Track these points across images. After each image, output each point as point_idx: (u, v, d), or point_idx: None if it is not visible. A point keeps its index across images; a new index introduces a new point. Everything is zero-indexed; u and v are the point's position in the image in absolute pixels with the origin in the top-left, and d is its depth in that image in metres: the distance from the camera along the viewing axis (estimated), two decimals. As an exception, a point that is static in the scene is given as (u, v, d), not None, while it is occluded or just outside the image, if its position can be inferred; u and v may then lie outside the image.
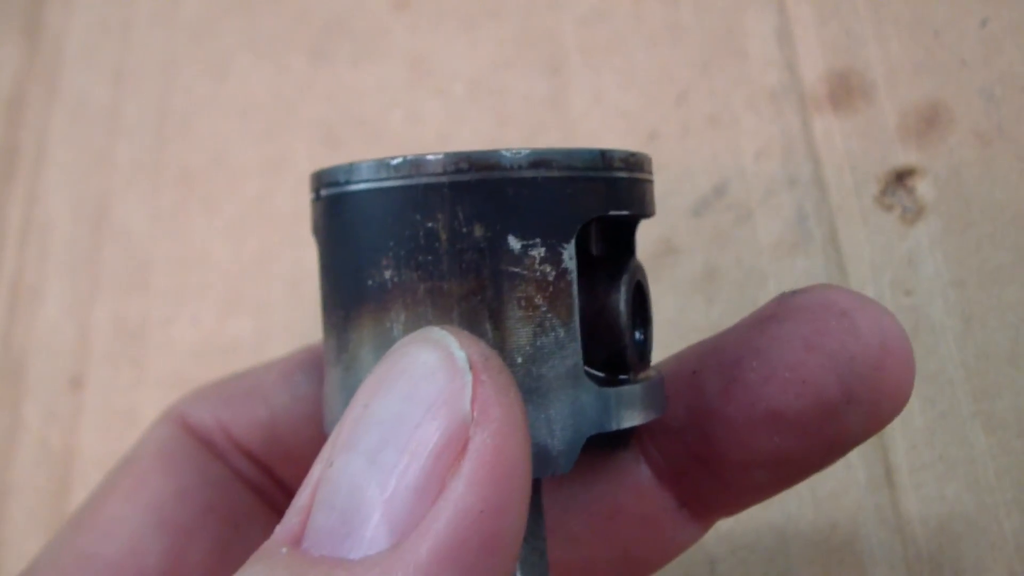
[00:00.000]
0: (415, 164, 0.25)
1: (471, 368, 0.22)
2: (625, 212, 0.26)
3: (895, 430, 0.37)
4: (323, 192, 0.26)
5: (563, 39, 0.48)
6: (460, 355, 0.22)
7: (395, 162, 0.25)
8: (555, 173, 0.25)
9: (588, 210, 0.25)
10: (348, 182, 0.25)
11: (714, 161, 0.43)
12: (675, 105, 0.45)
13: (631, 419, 0.26)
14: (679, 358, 0.31)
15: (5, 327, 0.55)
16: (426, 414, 0.21)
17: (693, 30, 0.46)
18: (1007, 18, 0.40)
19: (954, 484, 0.36)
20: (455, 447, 0.21)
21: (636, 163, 0.27)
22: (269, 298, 0.51)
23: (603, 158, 0.26)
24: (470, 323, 0.24)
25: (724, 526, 0.38)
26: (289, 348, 0.49)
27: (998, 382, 0.37)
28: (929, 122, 0.40)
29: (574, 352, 0.25)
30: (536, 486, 0.27)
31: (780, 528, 0.38)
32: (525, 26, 0.50)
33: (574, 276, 0.25)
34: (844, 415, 0.28)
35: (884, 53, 0.42)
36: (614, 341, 0.27)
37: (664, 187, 0.43)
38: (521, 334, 0.25)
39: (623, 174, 0.26)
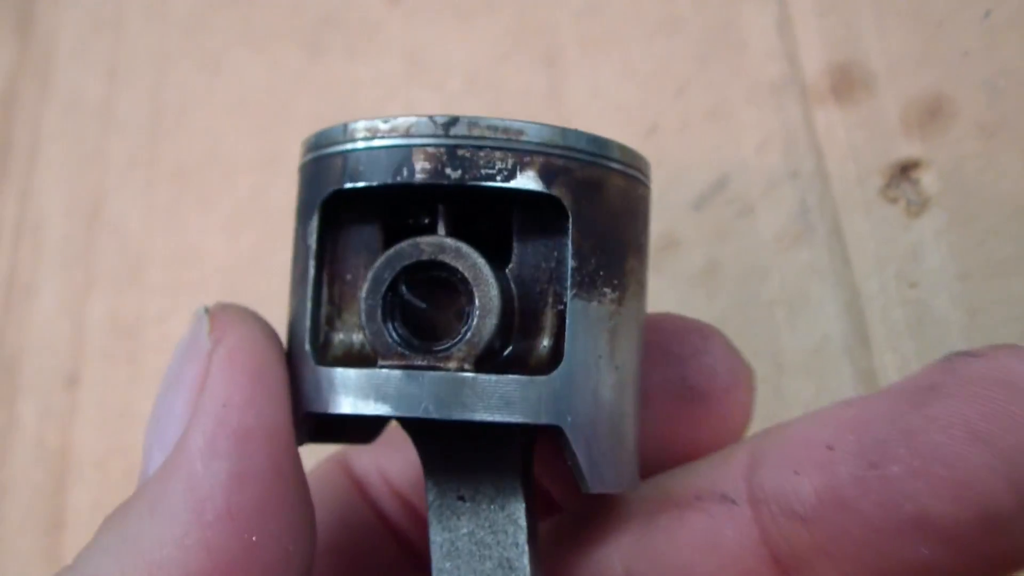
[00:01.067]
0: (638, 158, 0.29)
1: (207, 313, 0.27)
2: (360, 184, 0.26)
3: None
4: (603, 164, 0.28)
5: (560, 32, 0.48)
6: (200, 310, 0.27)
7: (631, 151, 0.28)
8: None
9: (327, 187, 0.27)
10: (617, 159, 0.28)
11: (715, 154, 0.43)
12: (674, 98, 0.45)
13: (343, 406, 0.26)
14: (816, 420, 0.26)
15: (0, 325, 0.55)
16: (183, 365, 0.26)
17: (691, 22, 0.45)
18: (1009, 10, 0.40)
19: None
20: (203, 373, 0.25)
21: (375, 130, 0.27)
22: (265, 293, 0.50)
23: (345, 131, 0.27)
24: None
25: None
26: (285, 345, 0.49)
27: (1005, 375, 0.36)
28: (932, 114, 0.40)
29: (303, 329, 0.27)
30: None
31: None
32: (521, 19, 0.49)
33: (312, 253, 0.27)
34: (1014, 528, 0.22)
35: (886, 45, 0.41)
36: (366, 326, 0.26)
37: (665, 181, 0.43)
38: (292, 303, 0.28)
39: (360, 144, 0.27)
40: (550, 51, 0.48)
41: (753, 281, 0.40)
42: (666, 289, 0.42)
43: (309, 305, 0.27)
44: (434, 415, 0.25)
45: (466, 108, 0.49)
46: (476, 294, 0.25)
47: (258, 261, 0.51)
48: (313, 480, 0.34)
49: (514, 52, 0.49)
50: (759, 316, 0.40)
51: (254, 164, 0.53)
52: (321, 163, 0.27)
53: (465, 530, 0.27)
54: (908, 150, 0.40)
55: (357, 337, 0.27)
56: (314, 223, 0.27)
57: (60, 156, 0.57)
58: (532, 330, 0.26)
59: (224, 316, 0.26)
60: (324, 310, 0.27)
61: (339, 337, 0.27)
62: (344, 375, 0.25)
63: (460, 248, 0.25)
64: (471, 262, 0.25)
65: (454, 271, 0.25)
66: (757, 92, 0.43)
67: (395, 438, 0.33)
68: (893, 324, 0.38)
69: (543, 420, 0.24)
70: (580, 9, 0.48)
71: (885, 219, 0.39)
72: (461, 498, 0.27)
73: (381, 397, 0.25)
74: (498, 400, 0.24)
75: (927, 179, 0.39)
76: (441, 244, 0.25)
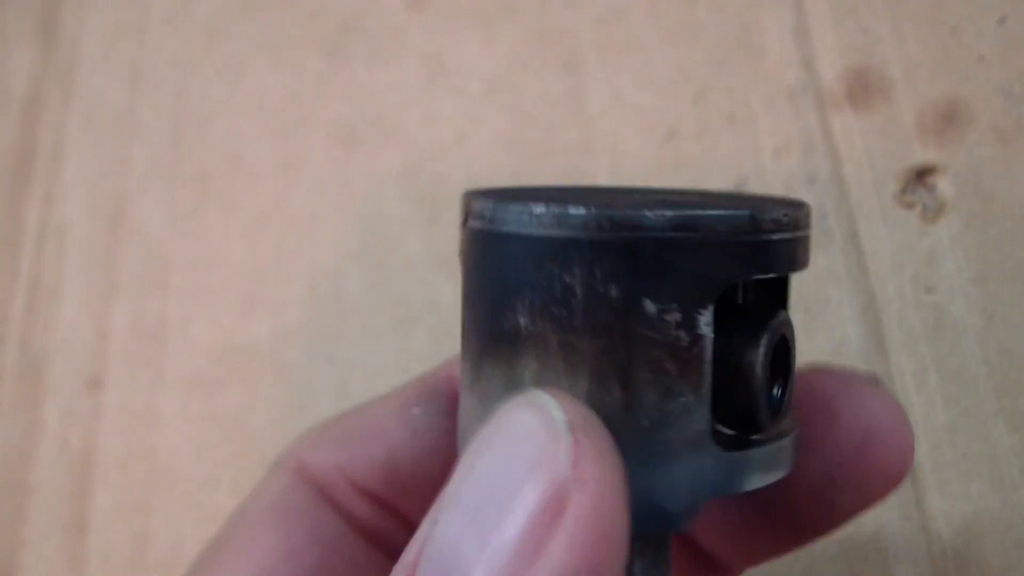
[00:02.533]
0: (558, 217, 0.24)
1: (570, 430, 0.21)
2: (772, 275, 0.26)
3: (918, 428, 0.37)
4: (469, 223, 0.26)
5: (579, 38, 0.49)
6: (559, 416, 0.22)
7: (538, 210, 0.24)
8: (697, 235, 0.24)
9: (730, 275, 0.24)
10: (493, 220, 0.25)
11: (733, 159, 0.43)
12: (693, 104, 0.45)
13: (753, 482, 0.25)
14: None
15: (23, 328, 0.55)
16: (526, 474, 0.21)
17: (710, 29, 0.46)
18: (1025, 15, 0.40)
19: (978, 481, 0.36)
20: (554, 507, 0.21)
21: (790, 223, 0.25)
22: (287, 298, 0.51)
23: (752, 221, 0.24)
24: (599, 382, 0.24)
25: (747, 524, 0.38)
26: (308, 349, 0.49)
27: (1021, 379, 0.37)
28: (948, 120, 0.40)
29: (701, 418, 0.24)
30: (664, 541, 0.26)
31: (804, 526, 0.38)
32: (541, 25, 0.50)
33: (709, 343, 0.24)
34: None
35: (902, 51, 0.42)
36: (747, 401, 0.25)
37: (683, 185, 0.43)
38: (648, 397, 0.24)
39: (775, 236, 0.25)
40: (570, 57, 0.48)
41: (771, 285, 0.41)
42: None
43: (707, 393, 0.25)
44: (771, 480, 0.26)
45: (486, 114, 0.49)
46: (790, 360, 0.27)
47: (279, 266, 0.51)
48: (273, 497, 0.34)
49: (534, 58, 0.49)
50: (777, 320, 0.40)
51: (275, 169, 0.53)
52: (723, 248, 0.25)
53: None
54: (924, 156, 0.40)
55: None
56: (709, 312, 0.25)
57: (83, 161, 0.58)
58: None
59: (588, 442, 0.21)
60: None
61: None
62: (751, 454, 0.26)
63: (789, 322, 0.27)
64: (792, 340, 0.27)
65: (786, 341, 0.26)
66: (774, 98, 0.43)
67: (346, 434, 0.34)
68: (909, 328, 0.38)
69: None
70: (600, 15, 0.48)
71: (901, 224, 0.40)
72: None
73: (770, 466, 0.26)
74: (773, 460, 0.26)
75: (943, 184, 0.40)
76: (787, 316, 0.27)
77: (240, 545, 0.33)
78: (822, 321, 0.40)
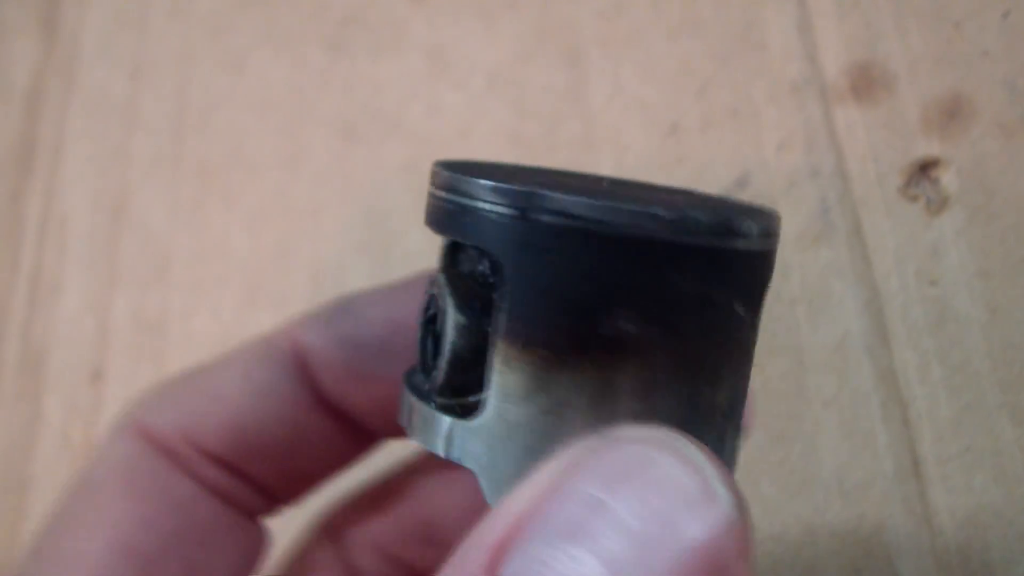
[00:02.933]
0: (681, 222, 0.24)
1: (736, 507, 0.20)
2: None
3: (922, 421, 0.37)
4: (543, 217, 0.24)
5: (582, 31, 0.48)
6: (723, 495, 0.20)
7: (659, 212, 0.24)
8: (773, 244, 0.26)
9: (768, 278, 0.26)
10: (591, 219, 0.24)
11: (736, 153, 0.43)
12: (696, 98, 0.45)
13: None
14: None
15: (25, 321, 0.55)
16: (683, 553, 0.19)
17: (712, 23, 0.46)
18: (1029, 10, 0.40)
19: (981, 475, 0.36)
20: (717, 556, 0.20)
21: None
22: (289, 291, 0.51)
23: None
24: (698, 388, 0.25)
25: (751, 517, 0.38)
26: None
27: (1025, 373, 0.37)
28: (951, 114, 0.40)
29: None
30: None
31: (807, 519, 0.38)
32: (543, 18, 0.50)
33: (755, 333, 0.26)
34: None
35: (905, 45, 0.42)
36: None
37: (687, 180, 0.43)
38: (740, 400, 0.26)
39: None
40: (572, 50, 0.48)
41: (775, 279, 0.40)
42: (687, 287, 0.42)
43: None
44: (407, 431, 0.27)
45: (489, 107, 0.49)
46: (441, 335, 0.26)
47: (280, 258, 0.51)
48: (119, 463, 0.33)
49: (536, 51, 0.49)
50: (781, 314, 0.40)
51: (277, 162, 0.53)
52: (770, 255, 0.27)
53: None
54: (928, 149, 0.40)
55: None
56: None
57: (85, 153, 0.58)
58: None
59: (745, 518, 0.20)
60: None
61: None
62: (402, 384, 0.28)
63: (439, 281, 0.26)
64: (444, 302, 0.26)
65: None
66: (778, 92, 0.43)
67: (189, 397, 0.34)
68: (913, 322, 0.38)
69: (454, 456, 0.25)
70: (602, 9, 0.48)
71: (905, 218, 0.40)
72: None
73: (402, 409, 0.27)
74: (429, 430, 0.26)
75: (947, 178, 0.39)
76: (432, 278, 0.27)
77: (90, 516, 0.32)
78: (825, 315, 0.40)
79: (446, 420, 0.25)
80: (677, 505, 0.20)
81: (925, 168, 0.40)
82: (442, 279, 0.26)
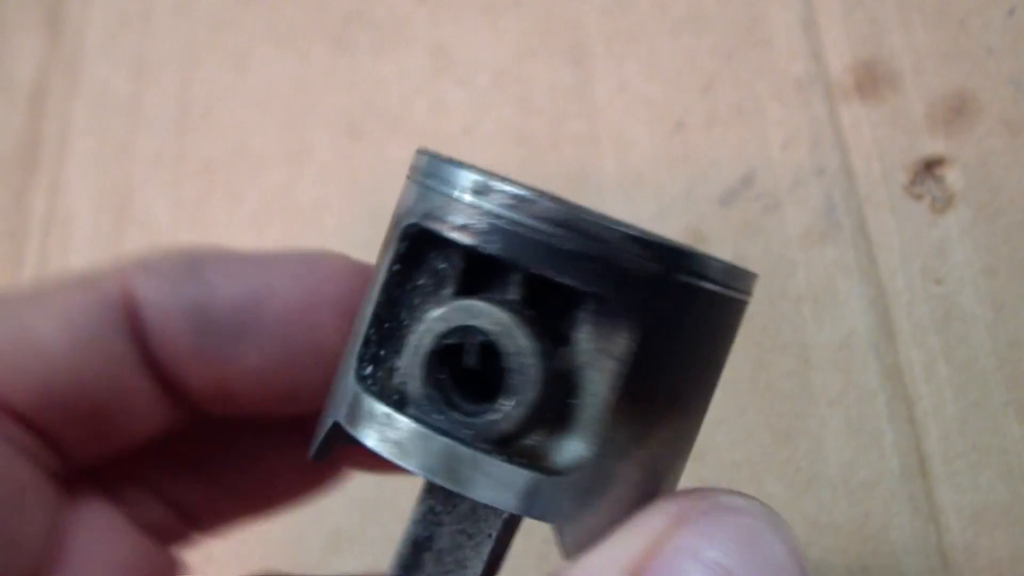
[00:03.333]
0: (750, 279, 0.25)
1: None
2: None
3: (928, 418, 0.37)
4: (685, 278, 0.23)
5: (586, 28, 0.48)
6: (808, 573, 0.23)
7: (750, 274, 0.25)
8: None
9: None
10: (722, 284, 0.24)
11: (741, 151, 0.43)
12: (701, 95, 0.45)
13: (359, 432, 0.26)
14: None
15: (29, 318, 0.55)
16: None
17: (717, 19, 0.46)
18: (1034, 7, 0.40)
19: (987, 473, 0.36)
20: None
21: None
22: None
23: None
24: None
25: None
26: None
27: (1031, 371, 0.37)
28: (957, 111, 0.40)
29: (361, 328, 0.26)
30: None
31: (813, 517, 0.38)
32: (547, 15, 0.50)
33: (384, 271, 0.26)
34: None
35: (910, 42, 0.42)
36: None
37: (692, 177, 0.43)
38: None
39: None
40: (576, 47, 0.48)
41: (780, 277, 0.41)
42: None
43: (368, 318, 0.25)
44: (434, 478, 0.24)
45: (493, 104, 0.49)
46: (511, 377, 0.23)
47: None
48: None
49: (540, 48, 0.49)
50: (786, 311, 0.40)
51: (281, 159, 0.53)
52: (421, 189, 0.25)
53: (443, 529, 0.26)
54: (933, 147, 0.40)
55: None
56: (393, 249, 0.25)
57: (89, 151, 0.58)
58: (566, 426, 0.25)
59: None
60: (384, 328, 0.26)
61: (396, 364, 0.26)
62: (372, 405, 0.24)
63: (499, 317, 0.23)
64: (516, 343, 0.23)
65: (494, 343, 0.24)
66: (783, 89, 0.43)
67: None
68: (919, 320, 0.38)
69: (535, 514, 0.23)
70: (606, 6, 0.48)
71: (910, 216, 0.40)
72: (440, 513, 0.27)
73: (395, 442, 0.24)
74: (497, 485, 0.23)
75: (952, 176, 0.40)
76: (473, 309, 0.24)
77: None
78: (831, 312, 0.40)
79: (526, 475, 0.23)
80: None
81: (930, 166, 0.40)
82: (502, 315, 0.23)
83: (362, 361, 0.25)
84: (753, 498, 0.23)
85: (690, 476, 0.26)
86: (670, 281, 0.23)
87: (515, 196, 0.23)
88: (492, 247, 0.23)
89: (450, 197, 0.24)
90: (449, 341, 0.24)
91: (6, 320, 0.29)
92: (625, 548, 0.22)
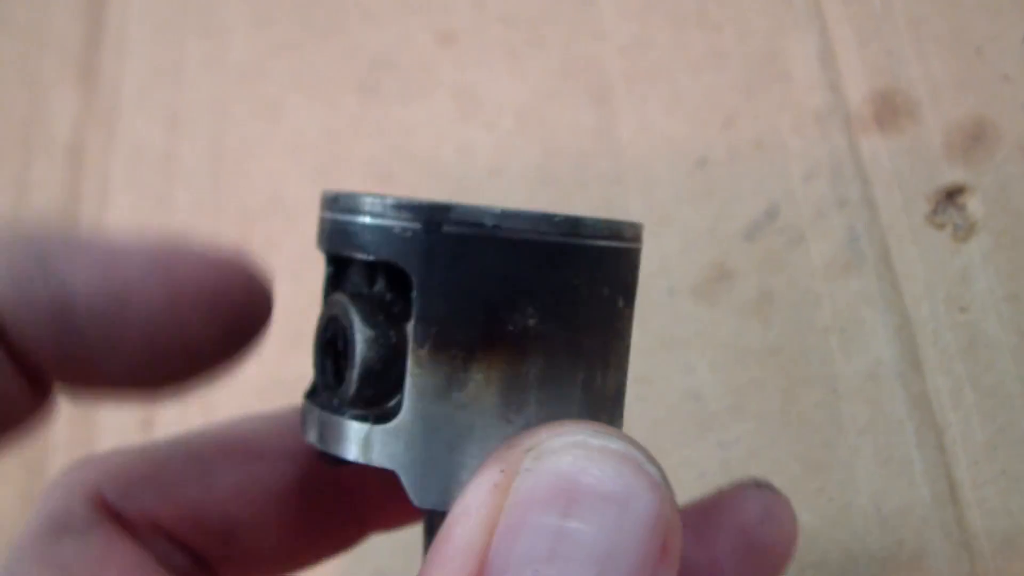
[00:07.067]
0: (572, 223, 0.27)
1: (666, 486, 0.23)
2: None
3: (956, 446, 0.38)
4: (448, 228, 0.26)
5: (607, 68, 0.49)
6: (652, 473, 0.23)
7: (557, 219, 0.27)
8: (640, 246, 0.29)
9: (636, 276, 0.29)
10: (496, 227, 0.26)
11: (764, 185, 0.44)
12: (722, 130, 0.46)
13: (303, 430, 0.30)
14: None
15: (75, 370, 0.56)
16: (649, 538, 0.22)
17: (736, 55, 0.46)
18: (1048, 33, 0.41)
19: (1018, 498, 0.37)
20: (661, 550, 0.22)
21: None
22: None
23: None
24: (592, 373, 0.27)
25: (791, 546, 0.39)
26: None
27: (1056, 396, 0.37)
28: (975, 139, 0.41)
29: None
30: None
31: (847, 546, 0.38)
32: (569, 56, 0.50)
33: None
34: None
35: (927, 71, 0.42)
36: None
37: (716, 212, 0.44)
38: (623, 385, 0.28)
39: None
40: (598, 87, 0.49)
41: (806, 309, 0.41)
42: (721, 320, 0.43)
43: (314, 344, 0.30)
44: (318, 445, 0.28)
45: (518, 146, 0.50)
46: (348, 347, 0.27)
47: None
48: (93, 553, 0.30)
49: (563, 89, 0.50)
50: (814, 343, 0.41)
51: (315, 207, 0.54)
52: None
53: None
54: (953, 175, 0.41)
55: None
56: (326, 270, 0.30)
57: (128, 203, 0.59)
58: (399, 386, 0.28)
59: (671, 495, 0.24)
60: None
61: None
62: (307, 407, 0.29)
63: (340, 301, 0.28)
64: (348, 320, 0.27)
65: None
66: (803, 122, 0.44)
67: (169, 479, 0.32)
68: (944, 348, 0.39)
69: (373, 460, 0.27)
70: (626, 45, 0.49)
71: (933, 245, 0.40)
72: None
73: (313, 428, 0.29)
74: (345, 440, 0.27)
75: (973, 204, 0.40)
76: (331, 301, 0.29)
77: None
78: (857, 343, 0.40)
79: (362, 427, 0.27)
80: (623, 507, 0.22)
81: (951, 194, 0.40)
82: (343, 299, 0.28)
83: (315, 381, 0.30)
84: (580, 425, 0.24)
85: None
86: (433, 234, 0.26)
87: (330, 199, 0.28)
88: (322, 246, 0.28)
89: (323, 219, 0.29)
90: (329, 334, 0.28)
91: (164, 465, 0.32)
92: (472, 516, 0.23)
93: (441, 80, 0.53)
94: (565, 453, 0.23)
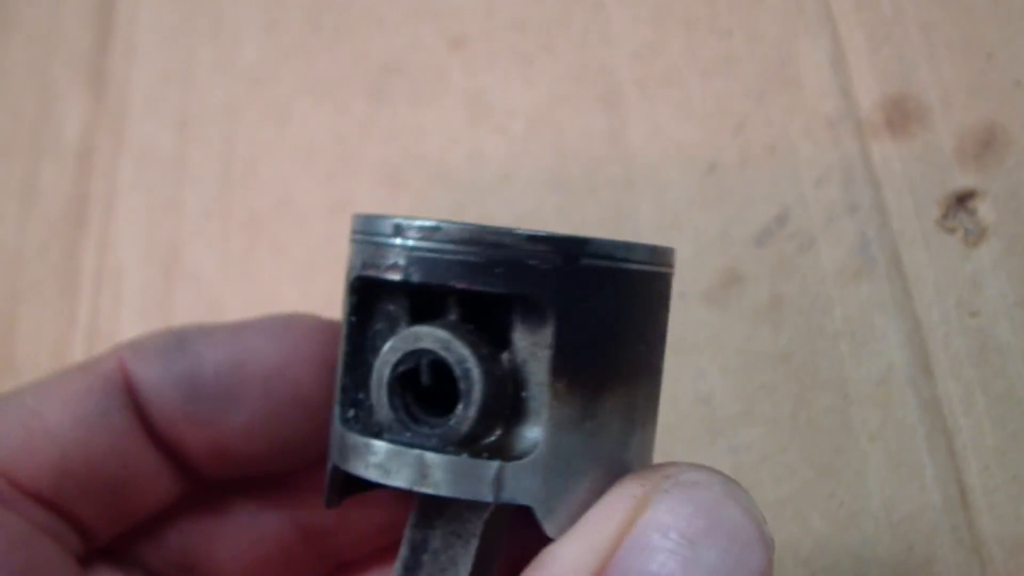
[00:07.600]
0: (669, 252, 0.29)
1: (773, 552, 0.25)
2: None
3: (967, 451, 0.38)
4: (585, 261, 0.27)
5: (618, 73, 0.49)
6: (768, 535, 0.25)
7: (660, 249, 0.28)
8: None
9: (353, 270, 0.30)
10: (624, 259, 0.27)
11: (774, 190, 0.44)
12: (733, 136, 0.46)
13: (348, 464, 0.29)
14: None
15: (84, 373, 0.56)
16: None
17: (747, 61, 0.47)
18: (1060, 39, 0.41)
19: (1029, 503, 0.37)
20: None
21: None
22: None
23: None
24: (660, 387, 0.30)
25: (803, 551, 0.39)
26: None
27: (1068, 401, 0.37)
28: (986, 144, 0.41)
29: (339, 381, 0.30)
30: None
31: (857, 552, 0.38)
32: (579, 61, 0.51)
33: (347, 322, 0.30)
34: None
35: (938, 77, 0.42)
36: None
37: (726, 217, 0.44)
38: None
39: None
40: (609, 92, 0.49)
41: (817, 314, 0.41)
42: (732, 325, 0.43)
43: (341, 369, 0.29)
44: (413, 487, 0.27)
45: (529, 151, 0.50)
46: (459, 383, 0.27)
47: (332, 306, 0.52)
48: None
49: (573, 94, 0.50)
50: (824, 348, 0.41)
51: (324, 211, 0.54)
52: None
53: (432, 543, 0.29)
54: (964, 181, 0.41)
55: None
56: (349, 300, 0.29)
57: (137, 207, 0.59)
58: (521, 418, 0.28)
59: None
60: (357, 373, 0.29)
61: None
62: (354, 439, 0.28)
63: (439, 336, 0.27)
64: (456, 354, 0.27)
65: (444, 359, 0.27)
66: (814, 127, 0.44)
67: (6, 430, 0.31)
68: (955, 353, 0.39)
69: (506, 498, 0.26)
70: (637, 50, 0.49)
71: (944, 250, 0.40)
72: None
73: (377, 465, 0.27)
74: (467, 480, 0.26)
75: (984, 209, 0.40)
76: (417, 334, 0.27)
77: None
78: (868, 348, 0.40)
79: (492, 465, 0.26)
80: (746, 549, 0.24)
81: (962, 200, 0.40)
82: (441, 333, 0.27)
83: (344, 407, 0.29)
84: (713, 471, 0.26)
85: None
86: (571, 268, 0.26)
87: (423, 228, 0.27)
88: (416, 276, 0.27)
89: (378, 244, 0.28)
90: (404, 367, 0.27)
91: (16, 409, 0.32)
92: (596, 533, 0.25)
93: (451, 85, 0.54)
94: (708, 487, 0.25)
